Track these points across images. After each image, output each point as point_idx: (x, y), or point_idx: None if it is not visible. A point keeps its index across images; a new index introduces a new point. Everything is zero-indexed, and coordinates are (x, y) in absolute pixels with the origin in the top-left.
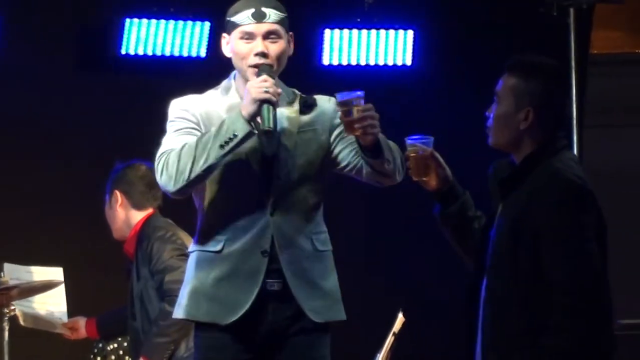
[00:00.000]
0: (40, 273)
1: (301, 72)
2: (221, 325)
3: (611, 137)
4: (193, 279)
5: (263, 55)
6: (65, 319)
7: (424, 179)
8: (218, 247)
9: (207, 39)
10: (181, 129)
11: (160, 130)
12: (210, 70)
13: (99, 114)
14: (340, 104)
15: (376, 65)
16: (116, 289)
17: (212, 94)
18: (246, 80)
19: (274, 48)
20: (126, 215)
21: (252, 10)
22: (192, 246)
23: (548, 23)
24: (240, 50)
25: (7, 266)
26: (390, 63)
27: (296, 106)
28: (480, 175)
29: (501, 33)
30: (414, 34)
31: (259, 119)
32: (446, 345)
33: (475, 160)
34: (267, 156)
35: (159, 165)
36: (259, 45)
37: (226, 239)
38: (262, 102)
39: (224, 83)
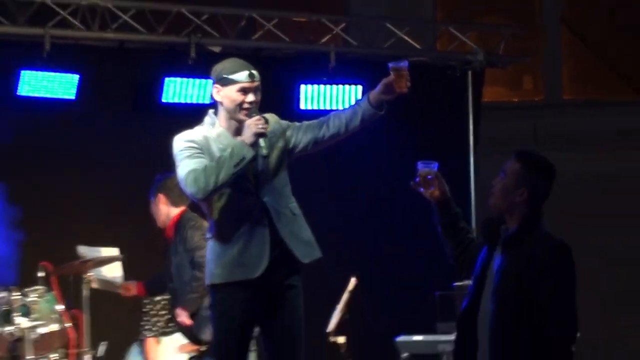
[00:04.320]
0: (103, 251)
1: (284, 115)
2: (244, 283)
3: (496, 162)
4: (221, 255)
5: (254, 103)
6: (121, 282)
7: (431, 194)
8: (234, 230)
9: None
10: (192, 154)
11: None
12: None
13: (145, 144)
14: (397, 68)
15: (337, 109)
16: (156, 261)
17: (201, 128)
18: (234, 117)
19: (258, 98)
20: (167, 211)
21: (247, 72)
22: (212, 234)
23: (452, 81)
24: (237, 98)
25: (80, 247)
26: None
27: None
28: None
29: (418, 88)
30: (362, 88)
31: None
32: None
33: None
34: (253, 161)
35: (188, 179)
36: (251, 97)
37: (238, 222)
38: (259, 135)
39: (208, 120)
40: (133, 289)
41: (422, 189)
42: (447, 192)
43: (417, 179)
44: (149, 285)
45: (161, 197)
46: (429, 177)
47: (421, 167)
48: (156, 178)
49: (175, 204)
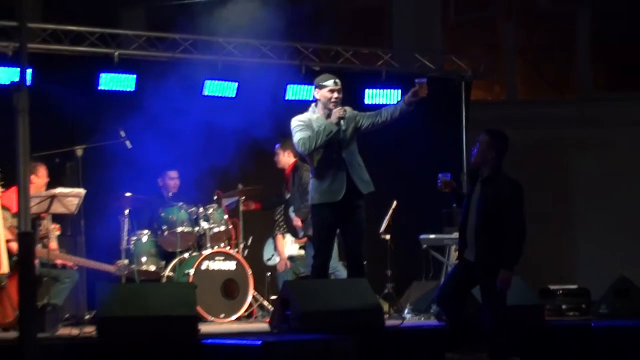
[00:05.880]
0: (240, 186)
1: (354, 107)
2: (331, 203)
3: (477, 135)
4: (318, 187)
5: (338, 99)
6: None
7: (447, 190)
8: (325, 173)
9: None
10: (301, 129)
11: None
12: None
13: (277, 123)
14: (420, 82)
15: (388, 104)
16: (272, 189)
17: (307, 114)
18: (327, 108)
19: (340, 96)
20: (288, 159)
21: (333, 80)
22: (312, 175)
23: (452, 89)
24: (328, 96)
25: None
26: (392, 102)
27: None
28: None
29: (432, 94)
30: (401, 92)
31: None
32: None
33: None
34: (336, 133)
35: (299, 143)
36: (336, 94)
37: (328, 168)
38: (341, 118)
39: (310, 109)
40: (252, 205)
41: (442, 188)
42: (455, 186)
43: (439, 183)
44: (263, 203)
45: (288, 151)
46: (447, 181)
47: (441, 176)
48: (277, 143)
49: (293, 156)
